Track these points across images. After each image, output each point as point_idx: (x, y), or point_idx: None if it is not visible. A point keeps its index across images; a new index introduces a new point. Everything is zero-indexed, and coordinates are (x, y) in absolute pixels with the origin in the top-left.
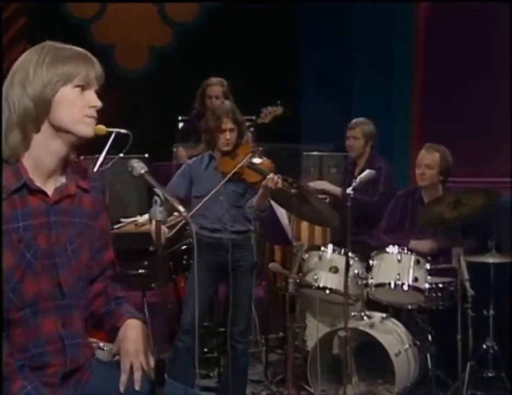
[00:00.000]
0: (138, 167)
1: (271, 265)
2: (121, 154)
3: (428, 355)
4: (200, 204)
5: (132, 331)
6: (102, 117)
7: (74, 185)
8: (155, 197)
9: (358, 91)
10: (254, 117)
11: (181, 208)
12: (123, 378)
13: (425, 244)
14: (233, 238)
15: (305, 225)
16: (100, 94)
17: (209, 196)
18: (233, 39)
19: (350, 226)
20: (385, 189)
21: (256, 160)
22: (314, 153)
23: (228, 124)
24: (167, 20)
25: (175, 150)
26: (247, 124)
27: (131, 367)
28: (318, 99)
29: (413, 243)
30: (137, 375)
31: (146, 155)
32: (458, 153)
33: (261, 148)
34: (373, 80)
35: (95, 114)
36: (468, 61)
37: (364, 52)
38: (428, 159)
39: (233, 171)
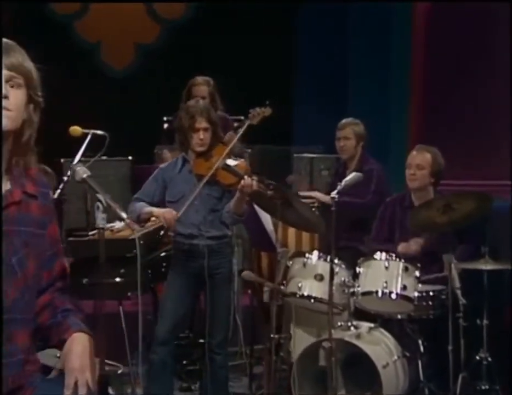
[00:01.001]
0: (81, 171)
1: (244, 273)
2: (103, 157)
3: (420, 367)
4: (181, 211)
5: (78, 345)
6: (86, 117)
7: (20, 191)
8: (98, 203)
9: (354, 92)
10: (242, 117)
11: (124, 215)
12: None
13: (412, 244)
14: (209, 244)
15: (292, 230)
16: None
17: (188, 202)
18: (224, 37)
19: (334, 231)
20: (377, 189)
21: (231, 162)
22: (305, 155)
23: (202, 123)
24: (154, 16)
25: (156, 152)
26: (235, 125)
27: (76, 383)
28: (313, 100)
29: (401, 246)
30: (82, 392)
31: (130, 157)
32: (456, 156)
33: (249, 150)
34: (369, 81)
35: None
36: (467, 61)
37: (360, 51)
38: (419, 159)
39: (209, 174)
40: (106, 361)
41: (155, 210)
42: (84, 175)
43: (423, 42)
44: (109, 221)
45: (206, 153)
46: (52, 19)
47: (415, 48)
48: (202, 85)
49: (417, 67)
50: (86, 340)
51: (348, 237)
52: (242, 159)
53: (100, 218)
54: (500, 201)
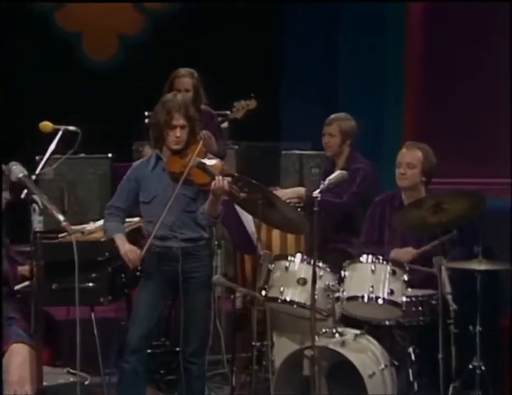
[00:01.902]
0: (17, 170)
1: (214, 278)
2: (82, 155)
3: (410, 375)
4: (153, 232)
5: (18, 357)
6: (66, 112)
7: None
8: (34, 205)
9: (345, 87)
10: (228, 112)
11: (61, 217)
12: None
13: (405, 252)
14: (183, 247)
15: (276, 232)
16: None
17: (163, 215)
18: (210, 30)
19: (317, 232)
20: (358, 190)
21: (208, 161)
22: (294, 152)
23: (179, 120)
24: (139, 7)
25: (135, 148)
26: (219, 119)
27: None
28: (302, 95)
29: (394, 252)
30: None
31: (109, 155)
32: (453, 154)
33: (236, 147)
34: (361, 76)
35: None
36: (465, 57)
37: (351, 45)
38: (410, 157)
39: (184, 175)
40: (71, 370)
41: (121, 246)
42: (20, 175)
43: (418, 36)
44: (80, 223)
45: (182, 151)
46: (31, 9)
47: (409, 42)
48: (186, 77)
49: (412, 62)
50: (25, 352)
51: (337, 239)
52: (219, 159)
53: (36, 221)
54: (499, 200)
